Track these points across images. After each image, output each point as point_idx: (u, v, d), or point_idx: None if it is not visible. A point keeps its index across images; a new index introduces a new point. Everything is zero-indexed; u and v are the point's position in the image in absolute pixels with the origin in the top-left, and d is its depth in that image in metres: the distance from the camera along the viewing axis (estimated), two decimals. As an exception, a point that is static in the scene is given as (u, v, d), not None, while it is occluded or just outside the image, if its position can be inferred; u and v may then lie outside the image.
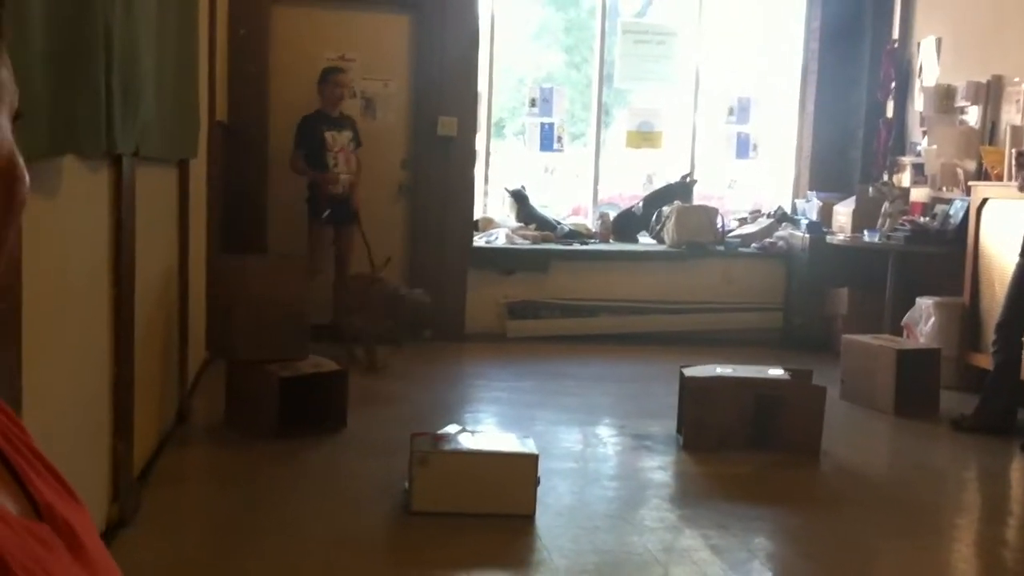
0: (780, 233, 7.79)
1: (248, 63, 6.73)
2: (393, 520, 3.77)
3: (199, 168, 5.26)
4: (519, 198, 7.86)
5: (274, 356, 4.67)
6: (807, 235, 7.49)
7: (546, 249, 7.41)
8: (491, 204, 7.94)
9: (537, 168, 8.49)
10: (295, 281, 4.98)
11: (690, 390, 4.87)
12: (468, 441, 3.99)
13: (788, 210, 8.03)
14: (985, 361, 5.75)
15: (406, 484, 3.85)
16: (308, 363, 4.76)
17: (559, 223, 7.83)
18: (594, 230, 7.92)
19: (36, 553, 0.72)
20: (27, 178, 0.77)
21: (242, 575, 3.23)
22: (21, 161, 0.78)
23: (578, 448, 4.89)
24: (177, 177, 4.67)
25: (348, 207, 6.49)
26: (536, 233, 7.60)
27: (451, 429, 4.12)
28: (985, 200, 6.30)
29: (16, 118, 0.78)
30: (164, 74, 3.85)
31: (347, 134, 6.55)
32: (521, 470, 3.84)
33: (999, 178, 6.38)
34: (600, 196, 8.18)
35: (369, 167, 6.74)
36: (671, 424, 5.02)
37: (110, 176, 3.25)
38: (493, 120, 8.00)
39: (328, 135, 6.47)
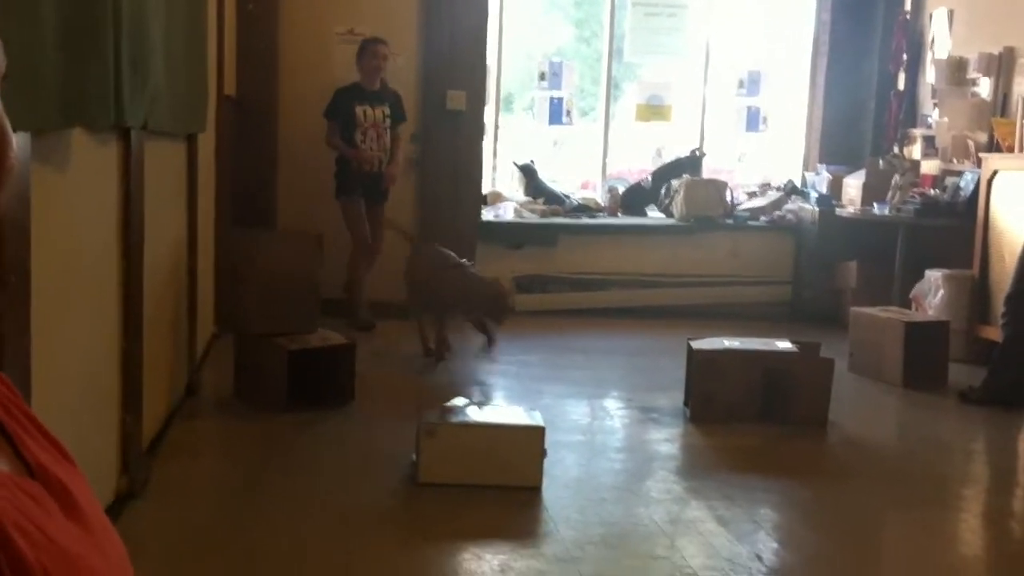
0: (789, 206, 7.77)
1: (256, 38, 6.72)
2: (401, 492, 3.80)
3: (208, 143, 5.27)
4: (528, 172, 7.85)
5: (283, 330, 4.69)
6: (817, 208, 7.47)
7: (555, 223, 7.41)
8: (500, 178, 7.93)
9: (546, 142, 8.48)
10: (305, 255, 4.99)
11: (698, 363, 4.88)
12: (475, 413, 4.02)
13: (798, 183, 8.01)
14: (994, 333, 5.75)
15: (414, 456, 3.88)
16: (317, 336, 4.79)
17: (568, 197, 7.82)
18: (603, 204, 7.91)
19: (28, 509, 0.73)
20: (14, 142, 0.78)
21: (250, 546, 3.26)
22: (7, 123, 0.78)
23: (585, 421, 4.91)
24: (186, 151, 4.69)
25: (378, 186, 6.41)
26: (545, 207, 7.60)
27: (458, 402, 4.14)
28: (996, 172, 6.28)
29: (2, 79, 0.79)
30: (173, 48, 3.86)
31: (382, 109, 6.40)
32: (528, 442, 3.86)
33: (1010, 150, 6.35)
34: (609, 170, 8.16)
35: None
36: (679, 397, 5.03)
37: (119, 149, 3.27)
38: (502, 94, 7.98)
39: (359, 110, 6.33)
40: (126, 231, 3.33)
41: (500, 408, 4.47)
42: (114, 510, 3.24)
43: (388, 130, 6.43)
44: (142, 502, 3.44)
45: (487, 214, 7.38)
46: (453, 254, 5.65)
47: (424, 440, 3.82)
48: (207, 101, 4.92)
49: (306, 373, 4.65)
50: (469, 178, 7.16)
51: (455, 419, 3.92)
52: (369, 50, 6.39)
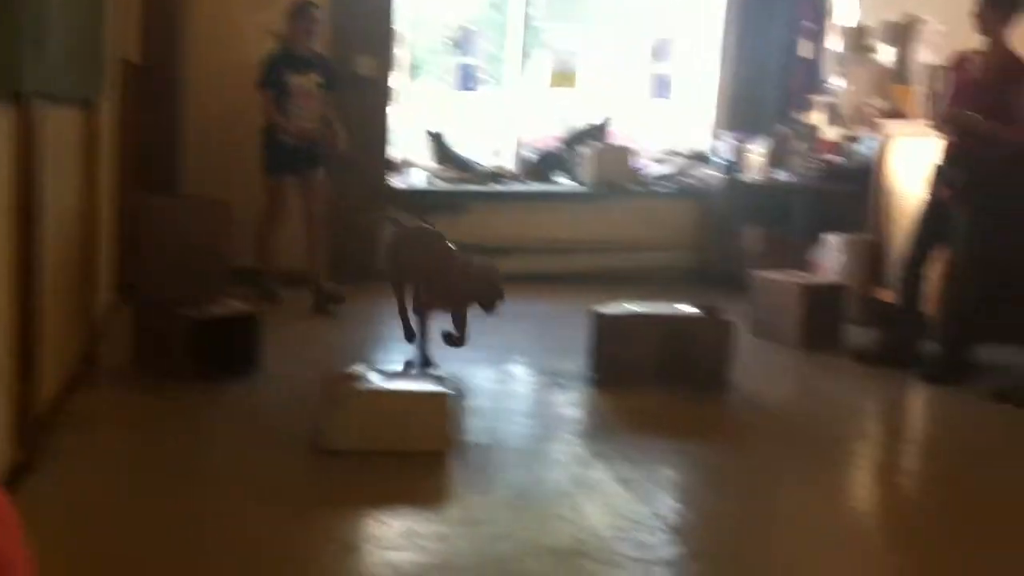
0: (696, 173, 7.88)
1: (161, 2, 6.57)
2: (304, 460, 3.79)
3: (111, 109, 5.16)
4: (437, 139, 7.83)
5: (187, 298, 4.64)
6: (722, 175, 7.59)
7: (465, 191, 7.41)
8: (409, 145, 7.89)
9: (456, 109, 8.46)
10: (211, 223, 4.93)
11: (601, 327, 4.95)
12: (380, 380, 4.02)
13: (704, 150, 8.11)
14: (889, 296, 5.92)
15: (318, 424, 3.88)
16: (221, 305, 4.74)
17: (478, 164, 7.82)
18: (513, 171, 7.94)
19: None
20: None
21: (152, 517, 3.24)
22: None
23: (492, 386, 4.94)
24: (85, 117, 4.58)
25: (313, 156, 6.14)
26: (455, 174, 7.59)
27: (362, 368, 4.14)
28: (893, 138, 6.44)
29: None
30: (71, 12, 3.77)
31: (314, 76, 6.10)
32: (433, 408, 3.89)
33: (908, 117, 6.52)
34: (520, 137, 8.17)
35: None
36: (584, 361, 5.09)
37: (14, 116, 3.19)
38: (412, 60, 7.93)
39: (294, 79, 6.03)
40: (21, 199, 3.26)
41: (408, 374, 4.48)
42: (9, 483, 3.19)
43: (322, 98, 6.14)
44: (38, 474, 3.39)
45: (397, 181, 7.35)
46: (441, 234, 5.06)
47: (328, 408, 3.82)
48: (107, 66, 4.81)
49: (210, 342, 4.60)
50: (377, 144, 7.12)
51: (359, 386, 3.92)
52: (306, 13, 6.09)
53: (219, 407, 4.36)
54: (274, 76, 6.04)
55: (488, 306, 4.67)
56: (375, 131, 7.11)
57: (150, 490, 3.46)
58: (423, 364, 4.81)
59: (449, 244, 4.95)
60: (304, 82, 6.07)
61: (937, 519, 3.67)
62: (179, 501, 3.37)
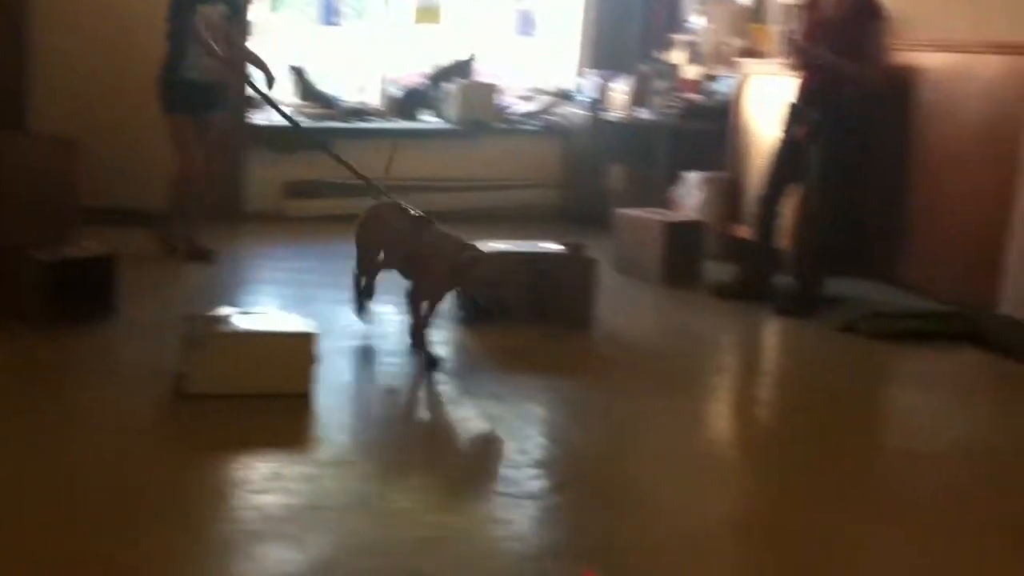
0: (560, 111, 7.92)
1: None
2: (168, 405, 3.73)
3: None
4: (299, 75, 7.67)
5: (37, 240, 4.47)
6: (585, 113, 7.65)
7: (328, 128, 7.29)
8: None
9: (319, 44, 8.28)
10: (58, 161, 4.75)
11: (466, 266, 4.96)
12: (244, 322, 3.97)
13: (568, 88, 8.15)
14: (746, 232, 6.09)
15: (180, 368, 3.81)
16: (76, 247, 4.59)
17: (341, 101, 7.70)
18: (378, 108, 7.84)
19: None
20: None
21: (11, 466, 3.14)
22: None
23: (358, 327, 4.92)
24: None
25: (215, 95, 5.74)
26: (318, 111, 7.46)
27: (226, 310, 4.07)
28: (750, 77, 6.59)
29: None
30: None
31: (220, 7, 5.63)
32: (298, 349, 3.85)
33: (764, 56, 6.66)
34: (384, 74, 8.06)
35: (135, 44, 6.33)
36: (450, 299, 5.10)
37: None
38: (270, -8, 7.74)
39: (202, 10, 5.50)
40: None
41: (270, 315, 4.42)
42: None
43: (227, 31, 5.69)
44: None
45: (257, 118, 7.18)
46: (419, 212, 4.62)
47: (190, 351, 3.75)
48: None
49: (65, 285, 4.45)
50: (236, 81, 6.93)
51: (222, 328, 3.86)
52: None
53: (78, 353, 4.23)
54: (184, 9, 5.55)
55: (485, 301, 4.17)
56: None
57: (10, 440, 3.35)
58: (429, 365, 4.26)
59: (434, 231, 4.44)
60: (211, 12, 5.62)
61: (791, 446, 3.83)
62: (41, 450, 3.28)
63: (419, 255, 4.37)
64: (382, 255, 4.65)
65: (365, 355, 4.51)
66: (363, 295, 4.76)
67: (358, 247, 4.68)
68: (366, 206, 4.83)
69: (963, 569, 2.84)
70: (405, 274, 4.50)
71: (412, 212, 4.59)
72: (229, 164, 6.66)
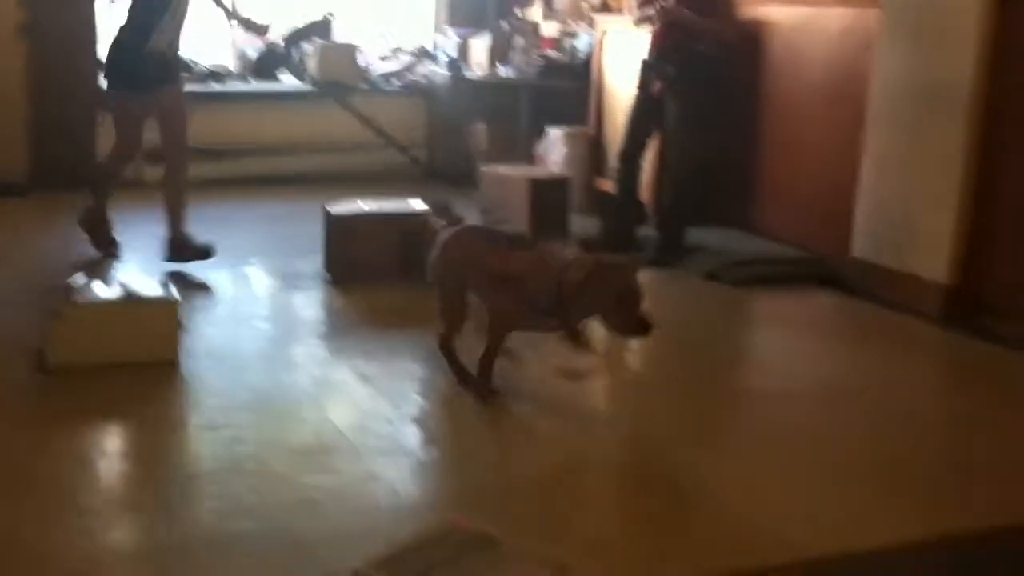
0: (421, 70, 7.88)
1: None
2: (29, 379, 3.62)
3: None
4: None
5: None
6: (446, 72, 7.63)
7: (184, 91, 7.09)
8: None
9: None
10: None
11: (335, 226, 4.94)
12: (106, 290, 3.87)
13: (428, 47, 8.12)
14: (609, 186, 6.19)
15: (41, 340, 3.70)
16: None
17: (196, 63, 7.51)
18: (234, 70, 7.68)
19: None
20: None
21: None
22: None
23: (226, 290, 4.85)
24: None
25: (172, 67, 5.20)
26: (172, 74, 7.25)
27: (83, 279, 3.95)
28: (607, 33, 6.67)
29: None
30: None
31: None
32: (163, 316, 3.78)
33: (620, 12, 6.75)
34: (238, 35, 7.88)
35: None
36: (319, 261, 5.07)
37: None
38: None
39: None
40: None
41: (133, 282, 4.32)
42: None
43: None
44: None
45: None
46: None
47: (51, 322, 3.65)
48: None
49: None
50: (84, 44, 6.70)
51: (83, 298, 3.76)
52: None
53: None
54: None
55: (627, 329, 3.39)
56: (82, 29, 6.69)
57: None
58: (486, 397, 3.61)
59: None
60: None
61: (657, 389, 3.95)
62: None
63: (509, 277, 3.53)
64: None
65: (235, 319, 4.45)
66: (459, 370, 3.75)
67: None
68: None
69: (824, 505, 2.97)
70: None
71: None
72: (81, 132, 6.45)
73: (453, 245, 3.70)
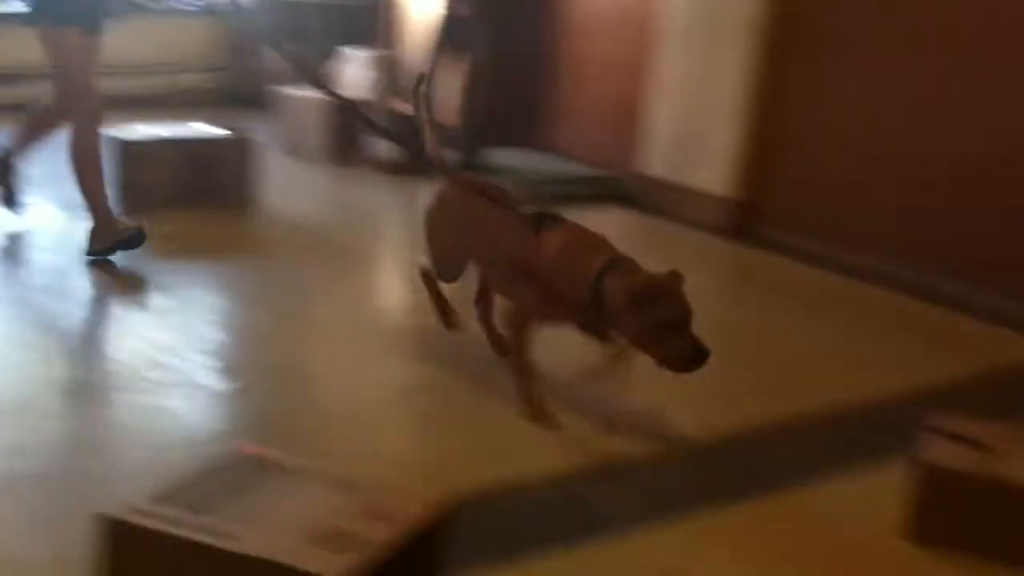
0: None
1: None
2: None
3: None
4: None
5: None
6: (245, -8, 7.40)
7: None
8: None
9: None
10: None
11: (122, 153, 4.78)
12: None
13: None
14: (406, 107, 6.15)
15: None
16: None
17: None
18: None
19: None
20: None
21: None
22: None
23: (4, 223, 4.64)
24: None
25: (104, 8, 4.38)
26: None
27: None
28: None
29: None
30: None
31: None
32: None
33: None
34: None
35: None
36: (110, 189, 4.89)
37: None
38: None
39: None
40: None
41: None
42: None
43: None
44: None
45: None
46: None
47: None
48: None
49: None
50: None
51: None
52: None
53: None
54: None
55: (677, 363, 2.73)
56: None
57: None
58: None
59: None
60: None
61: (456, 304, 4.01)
62: None
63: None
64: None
65: (14, 253, 4.26)
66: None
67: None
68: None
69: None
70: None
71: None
72: None
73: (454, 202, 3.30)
